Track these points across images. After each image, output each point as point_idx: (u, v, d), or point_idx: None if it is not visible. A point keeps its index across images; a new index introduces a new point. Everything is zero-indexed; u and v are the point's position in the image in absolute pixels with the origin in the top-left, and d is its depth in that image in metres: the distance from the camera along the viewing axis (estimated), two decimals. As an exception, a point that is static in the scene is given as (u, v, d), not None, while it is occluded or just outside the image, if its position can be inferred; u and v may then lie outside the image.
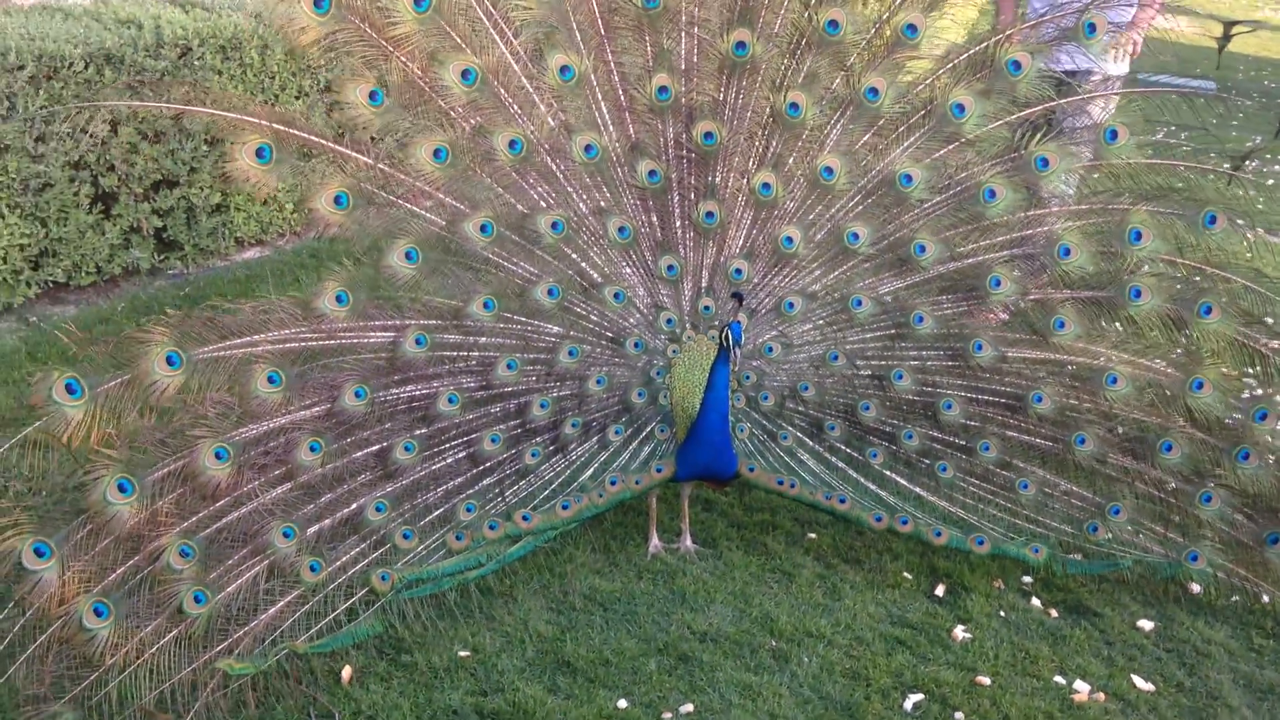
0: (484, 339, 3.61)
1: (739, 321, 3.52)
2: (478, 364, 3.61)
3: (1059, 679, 3.45)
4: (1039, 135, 3.61)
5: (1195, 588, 3.77)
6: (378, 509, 3.42)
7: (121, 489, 3.03)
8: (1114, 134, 3.64)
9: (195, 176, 5.76)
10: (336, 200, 3.42)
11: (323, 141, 3.42)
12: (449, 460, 3.58)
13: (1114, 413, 3.66)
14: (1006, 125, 3.63)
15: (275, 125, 3.32)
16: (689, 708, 3.25)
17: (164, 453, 3.15)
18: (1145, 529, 3.69)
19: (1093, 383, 3.64)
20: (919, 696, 3.34)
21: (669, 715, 3.23)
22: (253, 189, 3.38)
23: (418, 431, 3.53)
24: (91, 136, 5.18)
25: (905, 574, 3.82)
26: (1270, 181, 9.21)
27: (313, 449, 3.34)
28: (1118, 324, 3.68)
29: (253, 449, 3.28)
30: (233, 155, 3.30)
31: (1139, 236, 3.56)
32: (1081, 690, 3.41)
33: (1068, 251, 3.58)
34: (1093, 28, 3.61)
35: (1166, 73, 13.62)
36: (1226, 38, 4.09)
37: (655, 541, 3.90)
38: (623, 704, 3.25)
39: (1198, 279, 3.61)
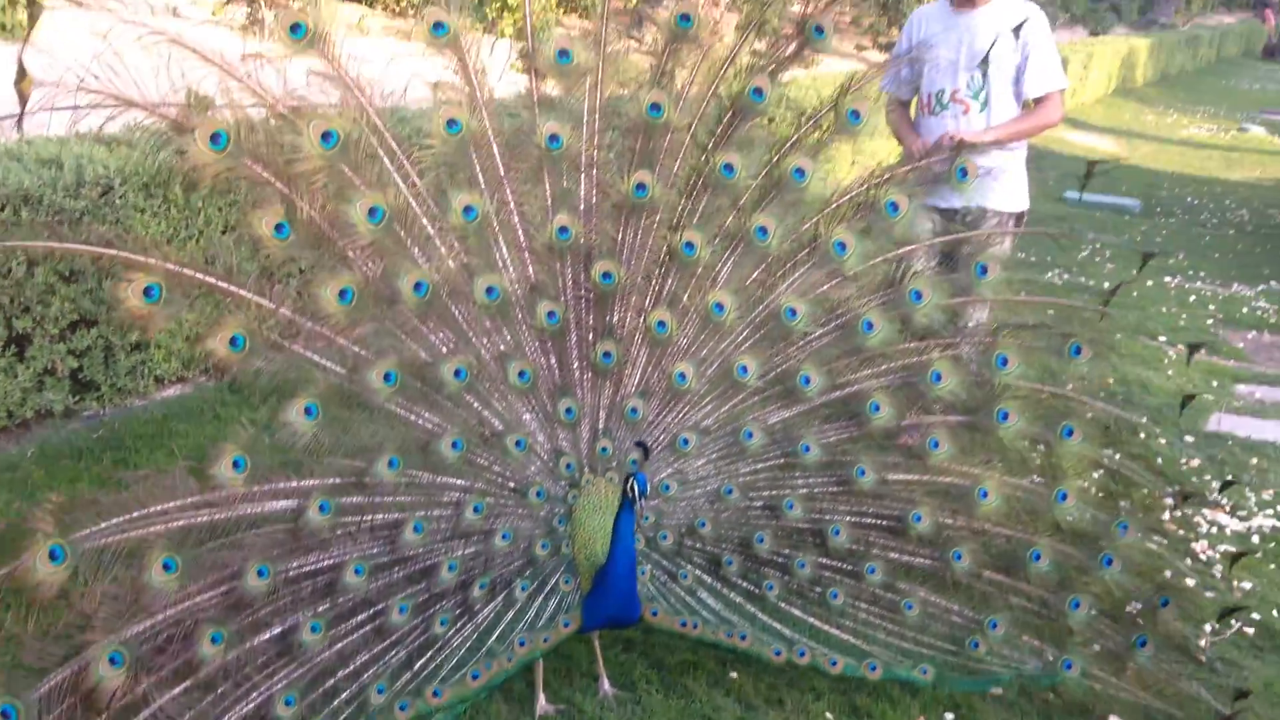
0: (390, 500, 3.39)
1: (644, 473, 3.46)
2: (384, 528, 3.38)
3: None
4: (912, 270, 3.82)
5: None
6: (287, 702, 3.13)
7: (5, 715, 2.64)
8: (984, 269, 3.89)
9: (115, 315, 5.20)
10: (233, 342, 3.16)
11: (215, 282, 3.15)
12: (356, 637, 3.33)
13: (986, 528, 3.85)
14: (885, 261, 3.81)
15: (167, 266, 3.05)
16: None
17: (50, 661, 2.78)
18: (1022, 641, 3.88)
19: (966, 500, 3.83)
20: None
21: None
22: (141, 327, 3.15)
23: (323, 608, 3.27)
24: (4, 278, 4.73)
25: (828, 714, 3.84)
26: (1192, 298, 9.67)
27: (214, 640, 3.03)
28: (987, 444, 3.88)
29: (147, 645, 2.93)
30: (120, 294, 3.02)
31: (1005, 362, 3.80)
32: None
33: (939, 377, 3.77)
34: (964, 172, 3.89)
35: (1095, 191, 14.46)
36: (1089, 175, 4.50)
37: (543, 702, 3.74)
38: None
39: (1062, 403, 3.87)
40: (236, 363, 3.16)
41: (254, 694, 3.09)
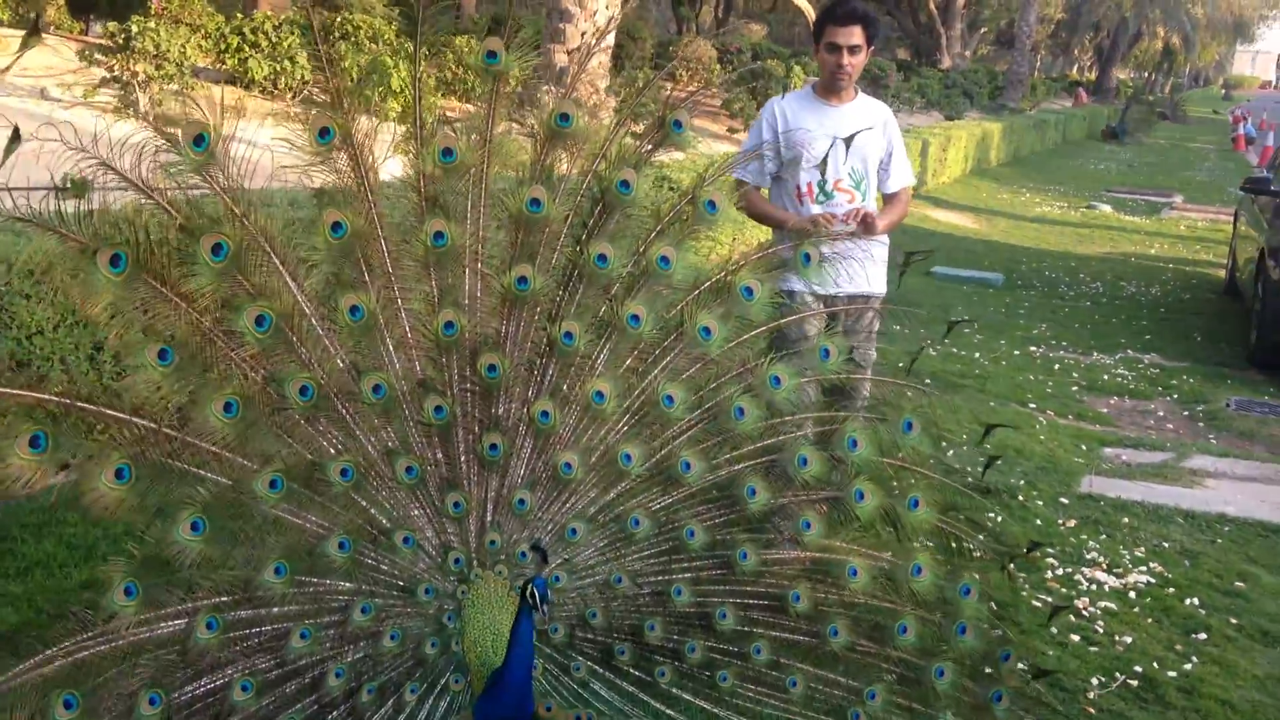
0: (276, 609, 3.32)
1: (543, 576, 3.44)
2: (271, 639, 3.31)
3: None
4: (771, 356, 3.97)
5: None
6: None
7: None
8: (827, 352, 4.05)
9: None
10: (118, 474, 3.06)
11: (92, 408, 3.07)
12: None
13: (857, 603, 3.97)
14: (743, 345, 3.93)
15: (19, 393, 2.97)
16: None
17: None
18: (898, 709, 3.97)
19: (838, 578, 3.94)
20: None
21: None
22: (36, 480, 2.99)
23: None
24: None
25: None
26: (1056, 366, 10.00)
27: None
28: (850, 523, 4.01)
29: None
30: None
31: (855, 444, 3.96)
32: None
33: (805, 461, 3.89)
34: (808, 257, 4.06)
35: (959, 267, 14.77)
36: (907, 263, 4.70)
37: None
38: None
39: (904, 477, 4.07)
40: (122, 497, 3.06)
41: None
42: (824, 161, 5.27)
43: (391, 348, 3.52)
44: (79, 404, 3.02)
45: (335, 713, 3.39)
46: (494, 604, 3.56)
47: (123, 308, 3.05)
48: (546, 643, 3.73)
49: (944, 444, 4.17)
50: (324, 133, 3.37)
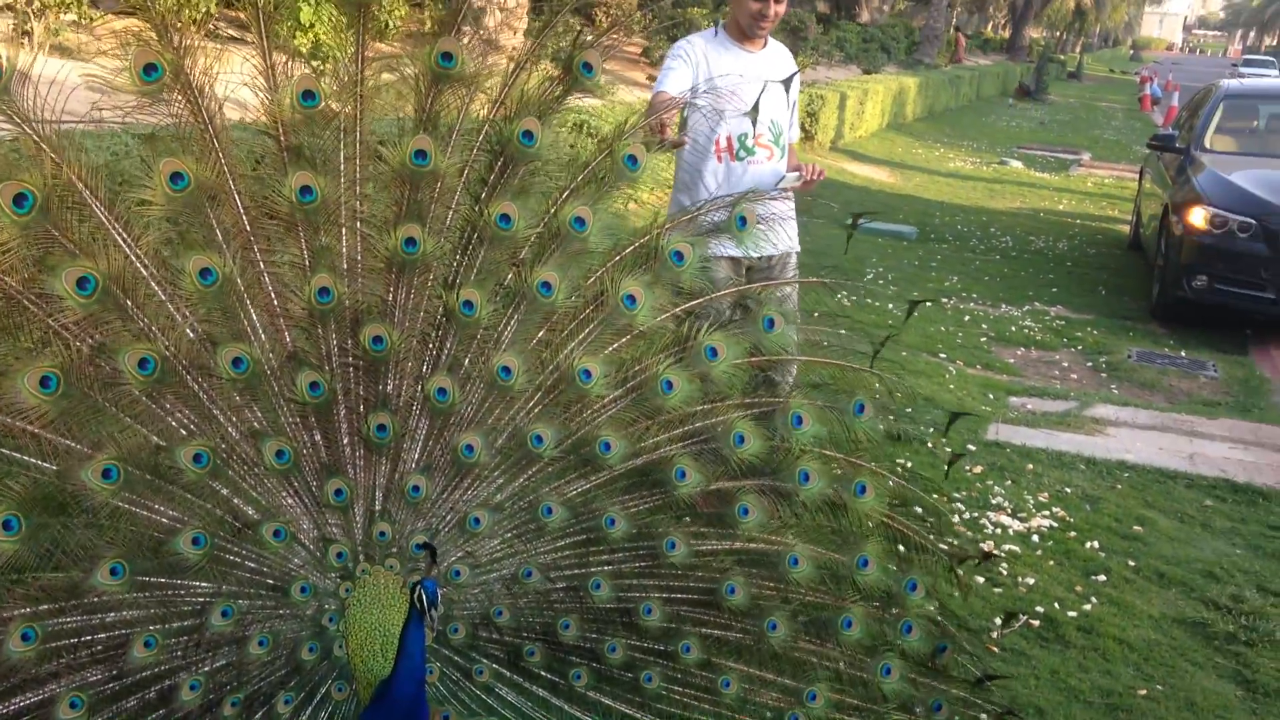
0: (112, 615, 2.74)
1: (433, 579, 2.85)
2: (105, 649, 2.74)
3: None
4: (708, 325, 3.32)
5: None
6: None
7: None
8: (771, 322, 3.40)
9: None
10: None
11: None
12: None
13: (798, 596, 3.38)
14: (673, 317, 3.30)
15: None
16: None
17: None
18: (839, 713, 3.39)
19: (778, 568, 3.34)
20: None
21: None
22: None
23: None
24: None
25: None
26: (966, 317, 9.78)
27: None
28: (792, 509, 3.41)
29: None
30: None
31: (800, 421, 3.34)
32: None
33: (742, 439, 3.28)
34: (744, 220, 3.40)
35: (875, 219, 14.36)
36: (854, 225, 4.14)
37: None
38: None
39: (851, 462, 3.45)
40: None
41: None
42: (754, 110, 4.52)
43: (254, 317, 2.92)
44: None
45: None
46: (384, 603, 2.97)
47: None
48: (445, 644, 3.15)
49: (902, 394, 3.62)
50: (150, 69, 2.73)
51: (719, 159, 4.66)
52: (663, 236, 3.29)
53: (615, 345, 3.24)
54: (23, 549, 2.57)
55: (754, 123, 4.61)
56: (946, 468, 4.42)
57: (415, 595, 2.77)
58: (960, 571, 3.71)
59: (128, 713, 2.74)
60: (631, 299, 3.20)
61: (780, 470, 3.34)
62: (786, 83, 4.65)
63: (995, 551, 5.16)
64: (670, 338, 3.32)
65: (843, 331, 3.69)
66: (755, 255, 4.32)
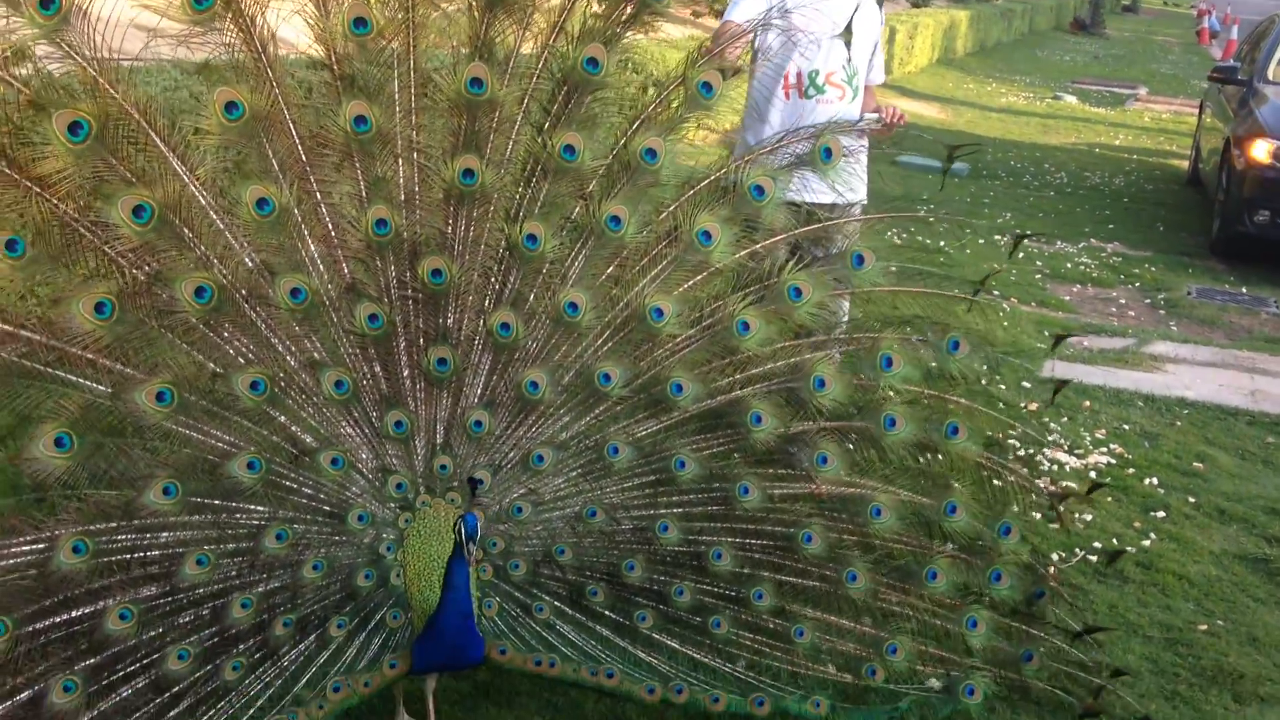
0: (166, 534, 2.67)
1: (474, 514, 2.75)
2: (158, 566, 2.66)
3: None
4: (791, 263, 3.11)
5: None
6: None
7: None
8: (860, 259, 3.19)
9: None
10: None
11: None
12: (125, 693, 2.61)
13: (881, 545, 3.21)
14: (754, 255, 3.10)
15: None
16: None
17: None
18: (921, 666, 3.24)
19: (859, 518, 3.17)
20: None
21: None
22: None
23: (82, 664, 2.54)
24: None
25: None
26: (1021, 254, 9.40)
27: None
28: (876, 454, 3.22)
29: None
30: None
31: (890, 363, 3.13)
32: None
33: (823, 383, 3.08)
34: (828, 152, 3.14)
35: (926, 156, 13.87)
36: (951, 159, 3.86)
37: (404, 715, 3.08)
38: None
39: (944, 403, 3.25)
40: None
41: None
42: (847, 31, 4.08)
43: (312, 247, 2.78)
44: None
45: (242, 646, 2.77)
46: (442, 536, 2.86)
47: None
48: (505, 579, 3.03)
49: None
50: None
51: (786, 95, 4.32)
52: (742, 169, 3.08)
53: (690, 283, 3.06)
54: (74, 466, 2.52)
55: (847, 45, 4.20)
56: (1052, 395, 4.19)
57: (456, 528, 2.71)
58: (1062, 509, 3.53)
59: (179, 629, 2.68)
60: (707, 235, 3.00)
61: (864, 414, 3.16)
62: (852, 39, 4.21)
63: (1104, 481, 4.95)
64: (750, 275, 3.13)
65: (918, 267, 3.47)
66: (825, 202, 3.89)
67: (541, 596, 3.07)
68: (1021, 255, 9.29)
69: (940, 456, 3.22)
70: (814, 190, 3.62)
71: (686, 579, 3.12)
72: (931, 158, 13.11)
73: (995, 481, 3.29)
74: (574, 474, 3.07)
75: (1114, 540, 4.55)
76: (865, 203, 4.38)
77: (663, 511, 3.10)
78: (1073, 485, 4.38)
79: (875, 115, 4.20)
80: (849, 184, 3.65)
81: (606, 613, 3.12)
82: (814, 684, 3.16)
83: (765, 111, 4.31)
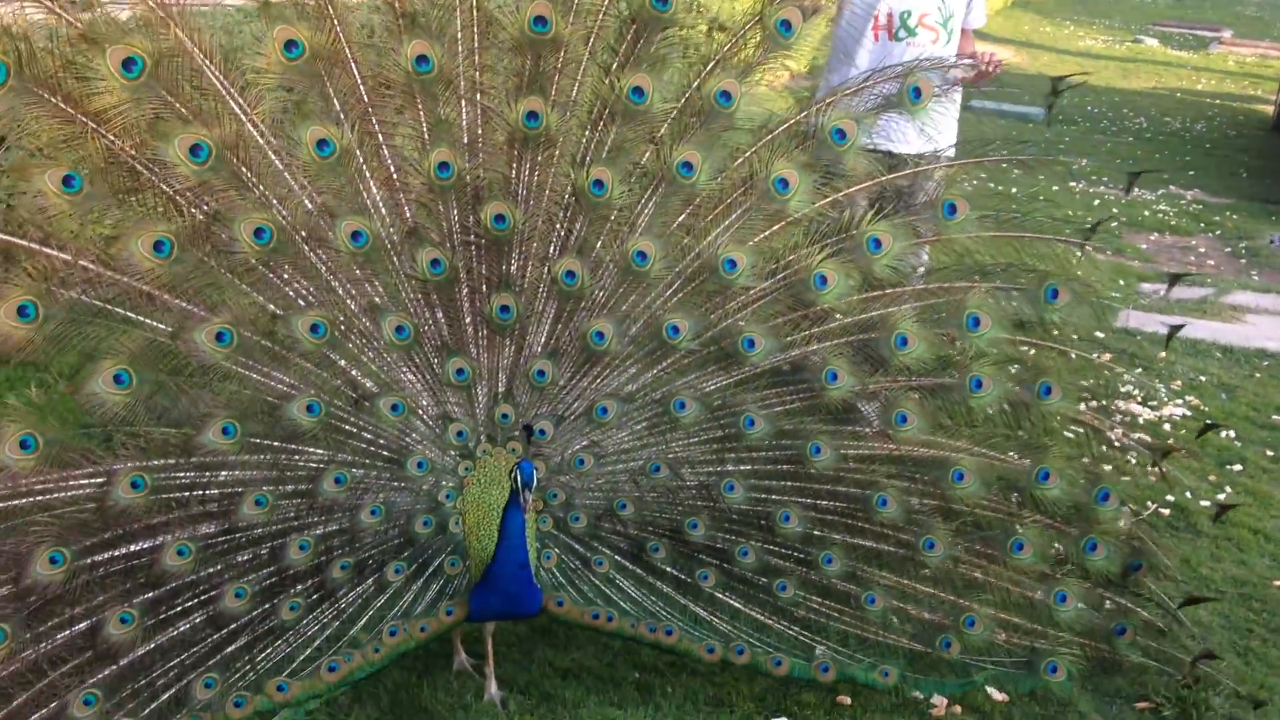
0: (224, 473, 2.68)
1: (530, 460, 2.68)
2: (216, 505, 2.67)
3: (916, 694, 3.06)
4: (871, 214, 2.93)
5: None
6: (86, 702, 2.47)
7: None
8: (952, 208, 2.97)
9: None
10: (20, 312, 2.44)
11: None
12: (182, 627, 2.64)
13: (963, 511, 3.02)
14: (834, 204, 2.92)
15: None
16: (550, 749, 2.81)
17: None
18: (1001, 640, 3.04)
19: (939, 482, 2.98)
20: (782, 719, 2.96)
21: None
22: None
23: (139, 598, 2.58)
24: None
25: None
26: (1097, 201, 9.11)
27: None
28: (960, 416, 3.03)
29: None
30: None
31: (977, 323, 2.92)
32: (939, 704, 3.06)
33: (904, 341, 2.89)
34: (917, 92, 2.91)
35: (999, 100, 13.53)
36: (1056, 93, 3.60)
37: (462, 655, 3.07)
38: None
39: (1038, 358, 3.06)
40: (26, 338, 2.45)
41: (50, 699, 2.45)
42: None
43: (374, 190, 2.72)
44: None
45: (299, 587, 2.77)
46: (501, 485, 2.81)
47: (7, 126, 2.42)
48: (564, 531, 2.96)
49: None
50: None
51: (875, 37, 4.06)
52: (823, 113, 2.88)
53: (765, 233, 2.89)
54: (133, 403, 2.53)
55: None
56: (1166, 341, 3.90)
57: (512, 475, 2.65)
58: (1165, 468, 3.32)
59: (237, 567, 2.69)
60: (784, 182, 2.82)
61: (949, 374, 2.96)
62: None
63: (1214, 423, 4.67)
64: (829, 225, 2.95)
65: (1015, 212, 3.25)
66: (912, 152, 3.61)
67: (601, 550, 2.99)
68: (1097, 202, 8.92)
69: (1032, 420, 3.01)
70: (900, 139, 3.42)
71: (752, 539, 3.00)
72: (1007, 103, 12.67)
73: (1091, 439, 3.10)
74: (638, 428, 2.97)
75: (1187, 494, 4.35)
76: (953, 153, 4.07)
77: (729, 469, 2.97)
78: (1174, 442, 4.12)
79: (969, 61, 3.91)
80: (938, 128, 3.40)
81: (668, 569, 3.03)
82: (884, 652, 3.02)
83: (852, 53, 4.05)
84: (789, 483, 3.00)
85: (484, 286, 2.81)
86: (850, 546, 3.00)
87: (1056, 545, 3.06)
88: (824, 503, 3.00)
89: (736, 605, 3.03)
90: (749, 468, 2.99)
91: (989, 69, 3.92)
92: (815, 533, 2.99)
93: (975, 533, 3.04)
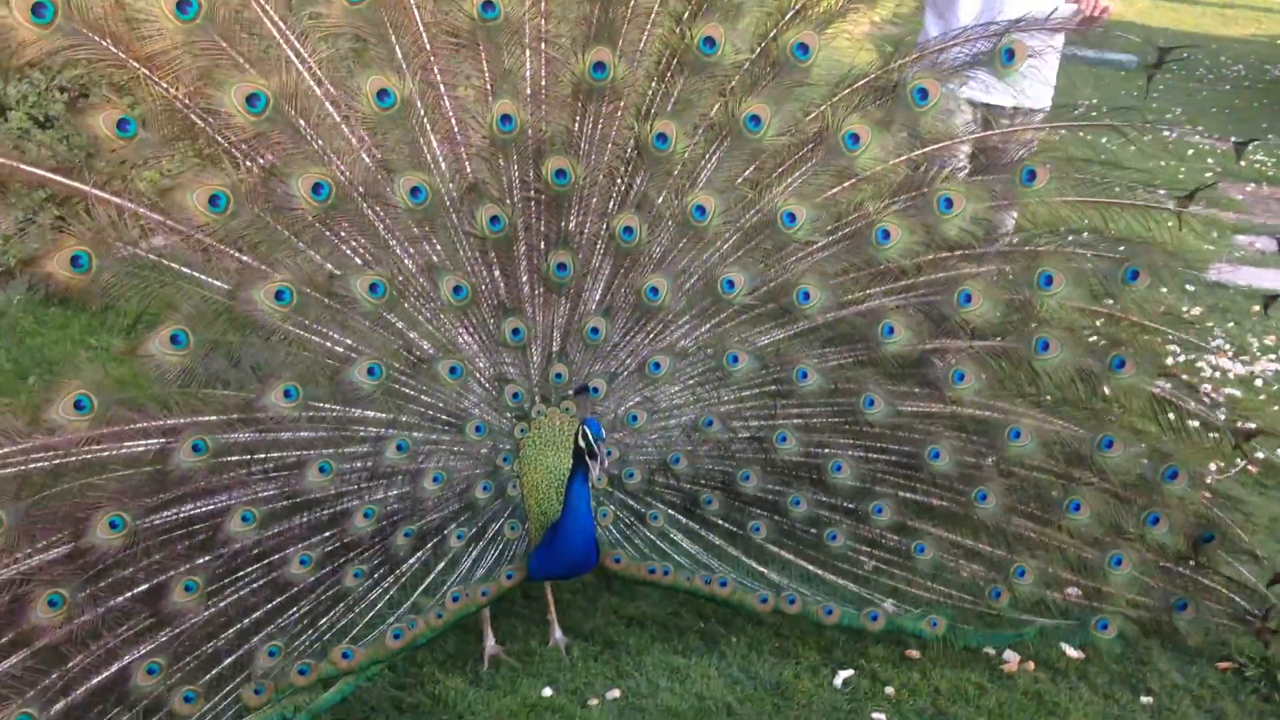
0: (286, 436, 2.60)
1: (594, 418, 2.60)
2: (278, 469, 2.60)
3: (988, 650, 3.06)
4: (945, 171, 2.79)
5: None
6: (150, 671, 2.42)
7: None
8: (1031, 174, 2.83)
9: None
10: (74, 262, 2.35)
11: (47, 175, 2.31)
12: (244, 593, 2.58)
13: (1018, 470, 2.96)
14: (908, 161, 2.79)
15: None
16: (615, 693, 2.87)
17: None
18: (1051, 594, 3.01)
19: (995, 439, 2.91)
20: (848, 673, 2.98)
21: (595, 701, 2.83)
22: None
23: (201, 561, 2.51)
24: None
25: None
26: (1190, 151, 8.80)
27: (51, 603, 2.31)
28: (1022, 377, 2.95)
29: None
30: None
31: (1050, 281, 2.81)
32: (1011, 660, 3.05)
33: (968, 298, 2.80)
34: (1010, 54, 2.75)
35: (1088, 48, 13.12)
36: (1160, 62, 3.33)
37: (491, 641, 2.99)
38: (548, 692, 2.85)
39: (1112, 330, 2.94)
40: (81, 286, 2.37)
41: (112, 663, 2.40)
42: None
43: (434, 144, 2.59)
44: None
45: (362, 552, 2.71)
46: (558, 446, 2.75)
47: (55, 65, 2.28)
48: (620, 488, 2.91)
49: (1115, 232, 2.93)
50: None
51: None
52: (908, 69, 2.75)
53: (832, 191, 2.78)
54: (190, 363, 2.45)
55: None
56: (1265, 307, 3.71)
57: (579, 434, 2.56)
58: (1246, 450, 3.18)
59: (300, 533, 2.62)
60: (854, 138, 2.70)
61: (1015, 334, 2.87)
62: None
63: None
64: (897, 183, 2.82)
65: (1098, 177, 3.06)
66: (1004, 105, 3.48)
67: (656, 505, 2.94)
68: (1190, 152, 8.62)
69: (1103, 388, 2.91)
70: (995, 89, 3.22)
71: (803, 490, 2.95)
72: (1096, 50, 12.07)
73: (1169, 415, 2.96)
74: (691, 382, 2.90)
75: (1278, 451, 4.17)
76: (1047, 112, 3.81)
77: (781, 422, 2.91)
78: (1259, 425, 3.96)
79: (1074, 8, 3.63)
80: (1032, 90, 3.21)
81: (720, 522, 2.99)
82: (932, 603, 3.00)
83: (954, 1, 3.80)
84: (841, 435, 2.94)
85: (542, 244, 2.71)
86: (901, 498, 2.96)
87: (1116, 514, 2.96)
88: (876, 455, 2.95)
89: (787, 556, 3.00)
90: (801, 420, 2.93)
91: (1095, 16, 3.64)
92: (866, 484, 2.94)
93: (1031, 490, 2.98)
